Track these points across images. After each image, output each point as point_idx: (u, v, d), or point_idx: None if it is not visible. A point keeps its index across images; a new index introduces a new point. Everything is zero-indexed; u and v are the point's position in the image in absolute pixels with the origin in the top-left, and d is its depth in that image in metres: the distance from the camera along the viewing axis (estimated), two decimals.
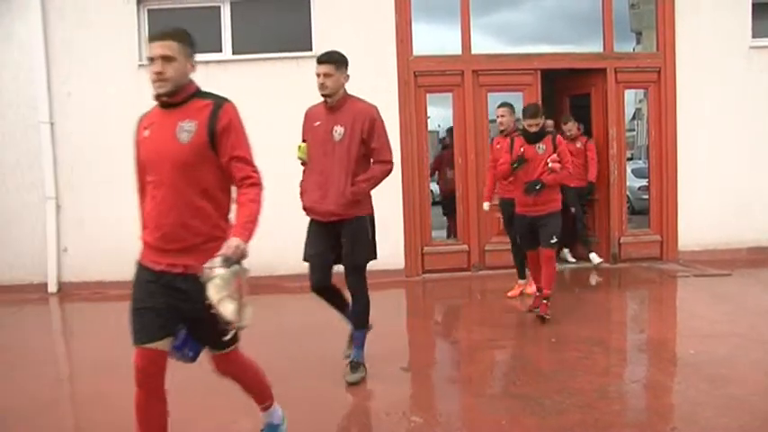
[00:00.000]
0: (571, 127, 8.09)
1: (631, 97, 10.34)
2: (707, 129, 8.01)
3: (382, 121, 4.24)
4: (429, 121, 7.97)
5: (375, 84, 7.32)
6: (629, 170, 9.45)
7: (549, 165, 5.44)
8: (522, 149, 5.64)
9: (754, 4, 8.04)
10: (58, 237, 7.63)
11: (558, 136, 5.81)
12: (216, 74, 7.61)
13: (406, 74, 7.67)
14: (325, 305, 4.44)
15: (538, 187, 5.51)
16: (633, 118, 15.91)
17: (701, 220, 8.03)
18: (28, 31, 7.57)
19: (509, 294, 6.60)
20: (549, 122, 7.67)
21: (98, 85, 7.64)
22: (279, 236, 7.55)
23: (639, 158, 11.48)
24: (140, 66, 7.60)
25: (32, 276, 7.66)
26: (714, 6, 7.97)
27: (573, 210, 7.80)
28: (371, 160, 4.23)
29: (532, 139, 5.64)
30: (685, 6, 7.96)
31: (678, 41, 7.99)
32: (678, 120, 8.05)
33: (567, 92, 8.81)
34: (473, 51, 7.90)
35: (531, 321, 5.81)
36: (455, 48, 7.90)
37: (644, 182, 9.15)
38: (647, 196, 8.65)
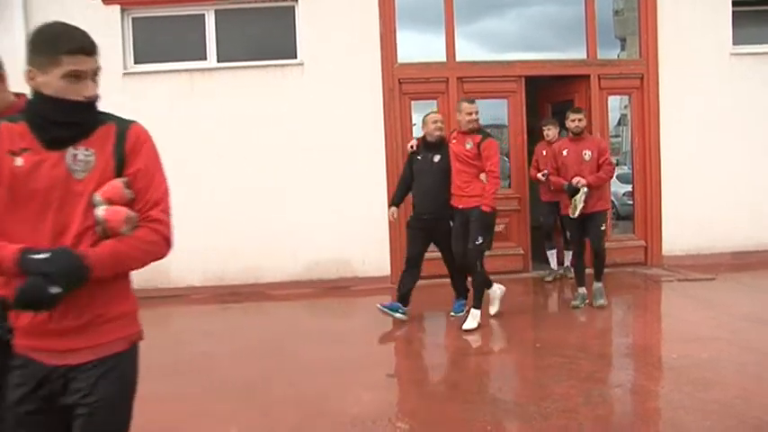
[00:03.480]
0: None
1: (617, 103, 10.39)
2: (690, 134, 8.10)
3: None
4: (415, 128, 7.96)
5: (360, 91, 7.37)
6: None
7: (98, 214, 1.86)
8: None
9: (734, 12, 8.15)
10: None
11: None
12: (200, 82, 7.65)
13: (391, 81, 7.67)
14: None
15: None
16: (619, 124, 16.00)
17: (685, 224, 8.09)
18: (12, 43, 7.50)
19: None
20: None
21: None
22: (261, 243, 7.59)
23: (625, 164, 11.52)
24: (125, 74, 7.60)
25: None
26: (696, 14, 8.07)
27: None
28: None
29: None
30: (668, 13, 8.05)
31: (660, 48, 8.08)
32: (661, 125, 8.12)
33: (550, 99, 8.86)
34: (457, 59, 7.94)
35: (516, 327, 5.83)
36: (440, 55, 7.93)
37: (629, 187, 9.21)
38: (631, 202, 8.71)
